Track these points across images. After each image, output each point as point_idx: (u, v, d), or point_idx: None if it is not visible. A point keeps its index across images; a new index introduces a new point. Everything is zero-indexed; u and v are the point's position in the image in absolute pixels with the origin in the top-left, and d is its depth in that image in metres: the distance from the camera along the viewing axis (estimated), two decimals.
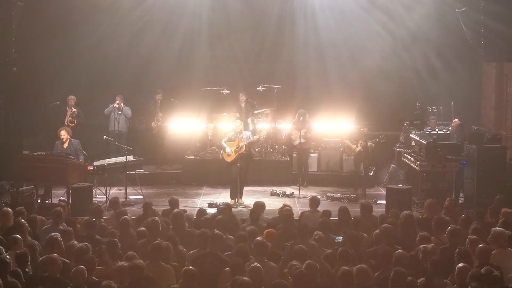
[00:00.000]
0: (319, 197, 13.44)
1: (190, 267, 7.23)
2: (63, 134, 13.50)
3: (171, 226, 9.26)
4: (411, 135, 14.16)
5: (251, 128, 14.77)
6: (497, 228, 8.52)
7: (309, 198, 11.10)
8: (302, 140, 14.65)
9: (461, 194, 13.33)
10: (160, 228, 8.74)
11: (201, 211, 10.32)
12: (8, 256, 7.41)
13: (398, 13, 15.95)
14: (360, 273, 7.05)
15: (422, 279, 7.19)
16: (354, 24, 16.21)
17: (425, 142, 13.09)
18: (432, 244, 7.97)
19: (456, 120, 14.63)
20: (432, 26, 15.79)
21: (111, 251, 7.98)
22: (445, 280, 7.30)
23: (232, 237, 8.80)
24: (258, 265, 7.10)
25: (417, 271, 7.47)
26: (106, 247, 8.02)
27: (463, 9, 15.42)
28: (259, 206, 10.22)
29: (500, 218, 9.50)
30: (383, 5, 16.02)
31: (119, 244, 8.14)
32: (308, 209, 10.79)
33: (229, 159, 13.18)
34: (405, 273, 6.92)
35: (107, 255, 7.94)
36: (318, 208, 10.58)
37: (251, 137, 13.20)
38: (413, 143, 13.93)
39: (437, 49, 15.91)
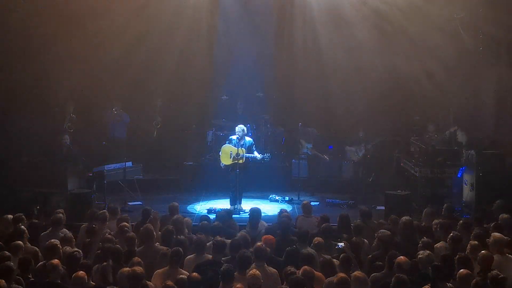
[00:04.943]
0: (317, 203, 13.55)
1: (180, 276, 7.25)
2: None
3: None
4: (410, 141, 14.17)
5: (250, 134, 14.78)
6: (496, 233, 8.54)
7: (300, 204, 11.08)
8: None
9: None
10: (154, 234, 8.79)
11: (204, 218, 10.31)
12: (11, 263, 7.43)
13: (397, 19, 15.95)
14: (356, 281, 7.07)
15: (427, 286, 7.18)
16: (354, 29, 16.20)
17: (424, 148, 13.09)
18: (429, 252, 7.97)
19: (455, 127, 14.65)
20: (431, 31, 15.80)
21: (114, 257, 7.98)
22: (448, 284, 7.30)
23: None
24: (257, 271, 7.11)
25: (417, 277, 7.46)
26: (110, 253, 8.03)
27: (462, 15, 15.44)
28: (257, 212, 10.22)
29: (498, 223, 9.50)
30: (383, 11, 16.01)
31: (121, 250, 8.15)
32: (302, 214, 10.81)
33: (226, 162, 13.13)
34: (406, 280, 6.91)
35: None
36: (314, 214, 10.61)
37: (255, 153, 12.99)
38: (412, 149, 13.93)
39: (436, 54, 15.90)
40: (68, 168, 12.87)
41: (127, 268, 7.34)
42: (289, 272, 7.23)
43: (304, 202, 10.98)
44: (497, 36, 14.97)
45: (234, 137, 13.10)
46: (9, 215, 9.60)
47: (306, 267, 7.29)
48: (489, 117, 15.52)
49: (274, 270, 7.69)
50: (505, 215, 9.65)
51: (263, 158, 12.96)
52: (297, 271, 7.25)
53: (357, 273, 7.26)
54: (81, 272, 7.22)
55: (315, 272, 7.45)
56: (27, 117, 15.57)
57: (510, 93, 14.83)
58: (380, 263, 8.02)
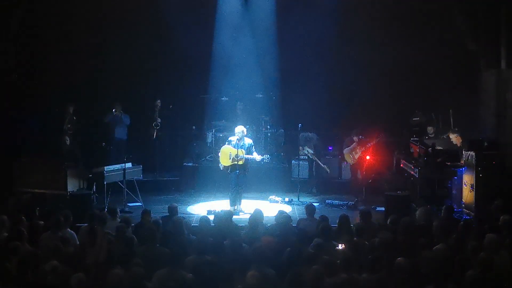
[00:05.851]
0: (317, 204, 13.51)
1: (180, 277, 7.25)
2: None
3: None
4: (410, 142, 14.16)
5: (249, 135, 14.76)
6: (489, 235, 8.53)
7: (304, 206, 11.07)
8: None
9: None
10: (156, 235, 8.79)
11: (203, 219, 10.29)
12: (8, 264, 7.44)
13: (396, 21, 15.95)
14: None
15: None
16: (353, 30, 16.18)
17: (424, 149, 13.08)
18: (430, 253, 7.96)
19: (456, 129, 14.64)
20: (431, 32, 15.79)
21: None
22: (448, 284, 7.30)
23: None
24: (256, 273, 7.10)
25: (418, 278, 7.46)
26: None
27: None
28: (258, 213, 10.22)
29: (494, 225, 9.50)
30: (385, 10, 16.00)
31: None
32: (305, 216, 10.78)
33: (225, 163, 13.11)
34: (407, 281, 6.90)
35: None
36: (315, 216, 10.58)
37: (254, 154, 12.96)
38: (412, 150, 13.92)
39: (435, 55, 15.89)
40: (68, 169, 12.86)
41: (117, 270, 7.32)
42: (298, 272, 7.24)
43: (308, 204, 10.99)
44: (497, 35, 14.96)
45: (233, 138, 13.07)
46: (4, 216, 9.57)
47: (316, 267, 7.28)
48: (489, 117, 15.50)
49: (273, 271, 7.69)
50: (506, 217, 9.64)
51: (262, 160, 12.95)
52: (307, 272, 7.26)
53: (366, 275, 7.25)
54: (81, 273, 7.21)
55: None
56: (27, 117, 15.59)
57: (510, 93, 14.80)
58: (381, 264, 8.01)
